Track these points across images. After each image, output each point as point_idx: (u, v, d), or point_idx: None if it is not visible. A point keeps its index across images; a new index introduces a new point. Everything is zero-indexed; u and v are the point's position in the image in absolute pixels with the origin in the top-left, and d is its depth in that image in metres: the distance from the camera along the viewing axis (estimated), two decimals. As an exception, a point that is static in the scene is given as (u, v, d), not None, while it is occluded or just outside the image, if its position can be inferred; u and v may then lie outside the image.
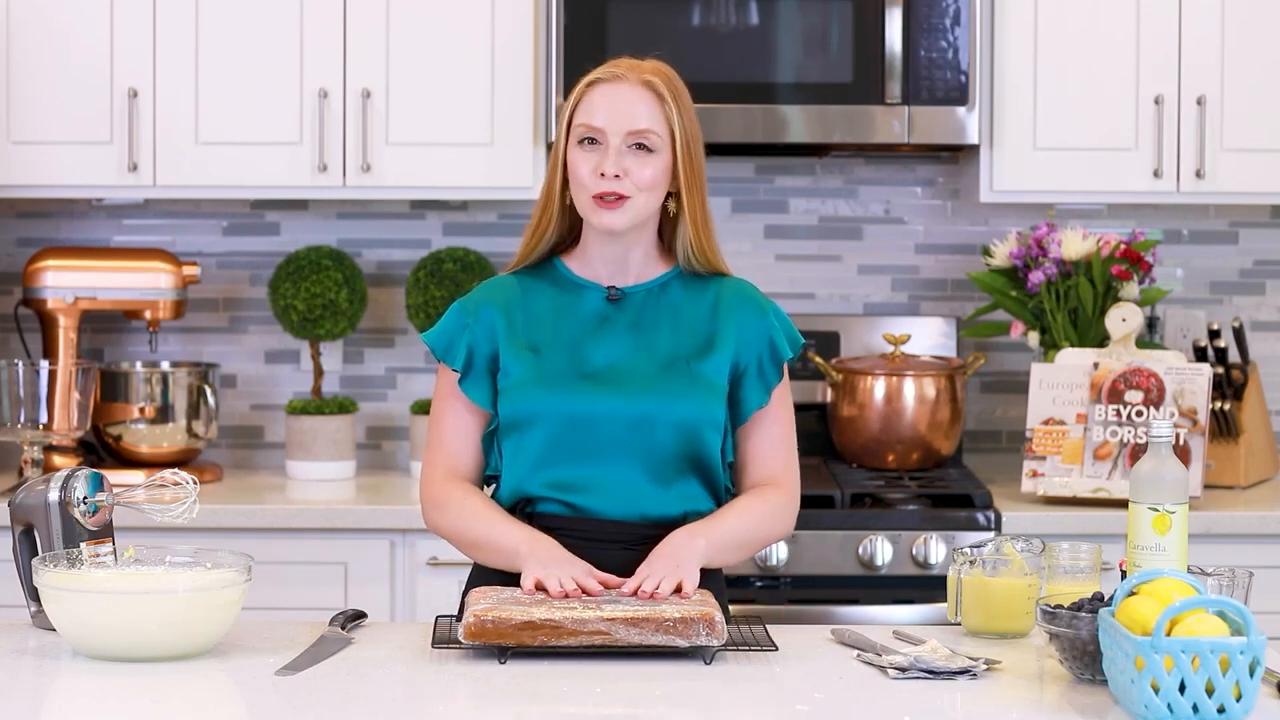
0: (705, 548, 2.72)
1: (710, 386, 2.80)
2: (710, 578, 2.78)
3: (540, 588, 2.62)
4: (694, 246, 2.85)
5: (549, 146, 4.16)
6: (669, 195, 2.83)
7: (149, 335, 4.37)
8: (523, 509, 2.81)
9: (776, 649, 2.58)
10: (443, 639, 2.59)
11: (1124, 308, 4.10)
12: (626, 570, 2.72)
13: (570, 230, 2.88)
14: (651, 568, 2.66)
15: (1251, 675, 2.21)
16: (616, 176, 2.76)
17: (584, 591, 2.60)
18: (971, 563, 2.71)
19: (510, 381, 2.80)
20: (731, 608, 2.89)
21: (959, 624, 2.74)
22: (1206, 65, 4.15)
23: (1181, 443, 3.98)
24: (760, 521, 2.84)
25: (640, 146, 2.78)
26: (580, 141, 2.79)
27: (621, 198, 2.77)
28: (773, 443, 2.88)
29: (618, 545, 2.77)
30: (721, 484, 2.84)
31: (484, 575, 2.83)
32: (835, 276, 4.54)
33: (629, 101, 2.78)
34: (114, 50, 4.15)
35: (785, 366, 2.89)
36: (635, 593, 2.61)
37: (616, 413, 2.76)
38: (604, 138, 2.78)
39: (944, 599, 3.89)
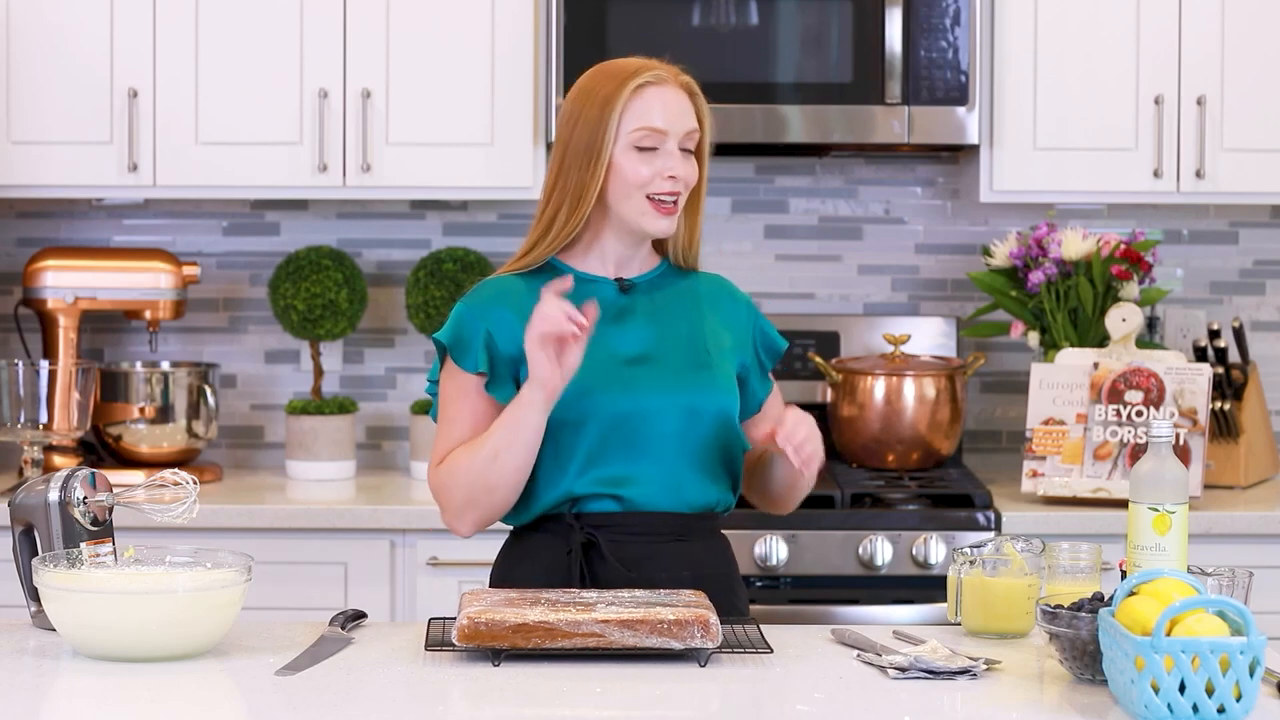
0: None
1: (730, 377, 2.84)
2: (727, 574, 2.78)
3: (553, 338, 2.63)
4: (687, 242, 2.88)
5: (549, 146, 4.16)
6: None
7: (149, 335, 4.37)
8: (570, 509, 2.79)
9: (771, 651, 2.57)
10: (436, 641, 2.59)
11: (1124, 308, 4.10)
12: (683, 563, 2.75)
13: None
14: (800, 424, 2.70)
15: (1251, 675, 2.21)
16: (675, 178, 2.78)
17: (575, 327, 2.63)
18: (971, 563, 2.71)
19: None
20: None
21: (959, 624, 2.74)
22: (1206, 65, 4.15)
23: (1181, 443, 3.98)
24: None
25: (687, 148, 2.80)
26: (639, 145, 2.77)
27: (676, 199, 2.80)
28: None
29: (666, 537, 2.78)
30: (740, 472, 2.87)
31: (505, 576, 2.83)
32: (835, 276, 4.54)
33: (679, 103, 2.80)
34: (114, 50, 4.15)
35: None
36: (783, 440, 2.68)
37: (665, 407, 2.76)
38: (663, 141, 2.77)
39: (944, 599, 3.89)
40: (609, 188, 2.78)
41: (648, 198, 2.77)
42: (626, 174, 2.76)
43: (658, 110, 2.77)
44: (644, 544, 2.77)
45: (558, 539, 2.79)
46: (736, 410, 2.83)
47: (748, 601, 2.91)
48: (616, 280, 2.85)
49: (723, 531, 2.91)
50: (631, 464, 2.76)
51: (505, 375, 2.80)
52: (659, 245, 2.90)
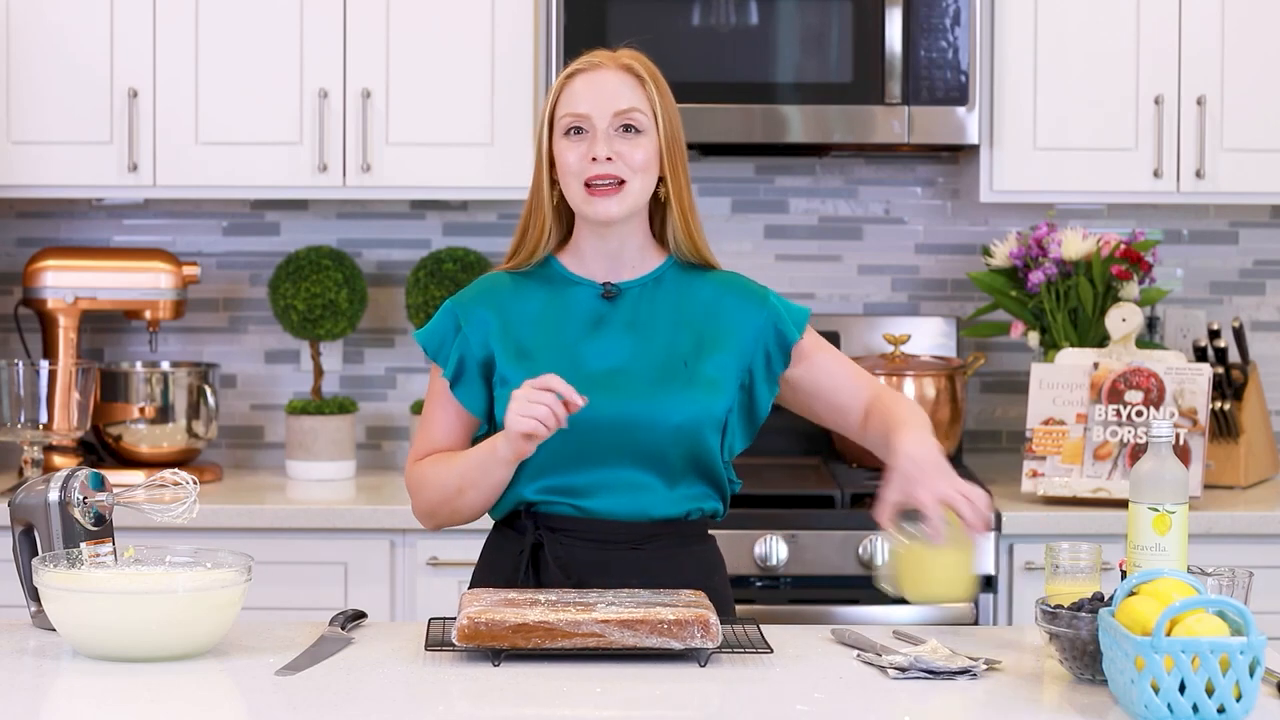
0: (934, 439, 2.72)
1: (710, 384, 2.77)
2: (693, 584, 2.76)
3: (530, 436, 2.62)
4: (682, 233, 2.83)
5: (549, 146, 4.16)
6: (658, 181, 2.81)
7: (149, 335, 4.37)
8: (529, 510, 2.80)
9: (771, 651, 2.57)
10: (436, 641, 2.59)
11: (1124, 308, 4.10)
12: (633, 571, 2.73)
13: (565, 229, 2.87)
14: (939, 489, 2.64)
15: (1251, 675, 2.21)
16: (609, 159, 2.74)
17: (564, 404, 2.61)
18: (911, 534, 2.67)
19: (508, 389, 2.77)
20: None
21: (898, 594, 2.69)
22: (1206, 65, 4.15)
23: (1181, 443, 3.98)
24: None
25: (628, 128, 2.76)
26: (566, 133, 2.77)
27: (620, 182, 2.75)
28: (846, 373, 2.89)
29: (624, 545, 2.77)
30: (724, 479, 2.83)
31: (486, 576, 2.84)
32: (835, 276, 4.54)
33: (610, 84, 2.77)
34: (114, 50, 4.15)
35: (804, 335, 2.86)
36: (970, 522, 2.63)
37: (615, 419, 2.73)
38: (590, 124, 2.76)
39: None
40: (560, 180, 2.80)
41: (585, 184, 2.76)
42: (561, 163, 2.78)
43: (581, 95, 2.77)
44: (595, 551, 2.76)
45: (519, 536, 2.81)
46: (713, 419, 2.77)
47: (730, 612, 2.85)
48: (604, 284, 2.84)
49: (710, 538, 2.88)
50: (582, 475, 2.74)
51: (474, 377, 2.81)
52: (662, 242, 2.89)
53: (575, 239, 2.85)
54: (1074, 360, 4.11)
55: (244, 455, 4.55)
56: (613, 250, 2.83)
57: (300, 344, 4.53)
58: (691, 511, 2.80)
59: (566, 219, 2.85)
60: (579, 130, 2.77)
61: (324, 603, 3.83)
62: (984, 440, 4.54)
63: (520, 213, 2.88)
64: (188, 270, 4.29)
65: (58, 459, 4.18)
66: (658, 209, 2.85)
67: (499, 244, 4.47)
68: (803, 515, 3.92)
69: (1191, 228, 4.53)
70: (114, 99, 4.15)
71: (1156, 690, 2.20)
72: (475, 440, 2.82)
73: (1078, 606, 2.45)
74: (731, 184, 4.52)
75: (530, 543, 2.78)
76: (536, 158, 2.82)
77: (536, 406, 2.61)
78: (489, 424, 2.82)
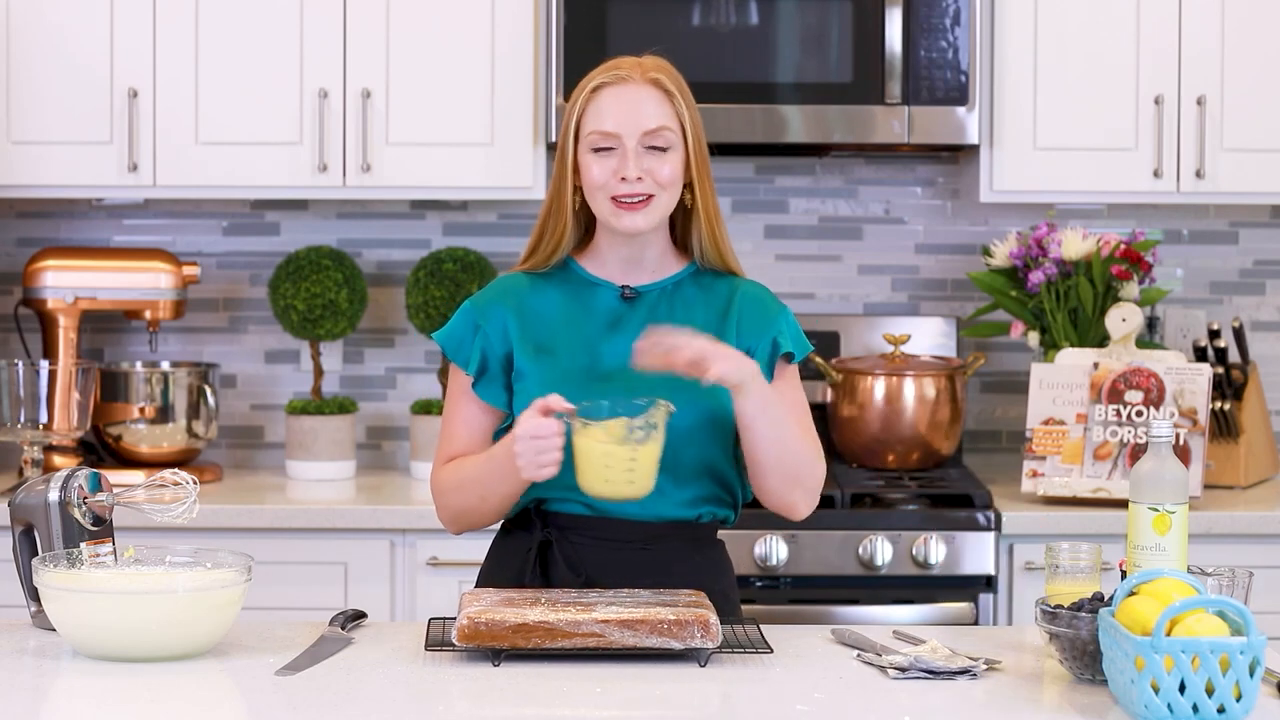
0: (757, 371, 2.69)
1: (721, 389, 2.78)
2: (703, 588, 2.76)
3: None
4: (707, 240, 2.84)
5: (549, 146, 4.16)
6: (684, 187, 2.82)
7: (149, 335, 4.37)
8: (538, 508, 2.80)
9: (771, 651, 2.58)
10: (436, 641, 2.59)
11: (1124, 308, 4.10)
12: (644, 571, 2.73)
13: (582, 231, 2.88)
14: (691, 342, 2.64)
15: (1251, 675, 2.21)
16: (639, 179, 2.75)
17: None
18: (584, 425, 2.63)
19: (525, 383, 2.78)
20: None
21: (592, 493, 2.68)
22: (1206, 65, 4.15)
23: (1181, 443, 3.98)
24: (796, 429, 2.77)
25: (655, 145, 2.77)
26: (594, 149, 2.78)
27: (648, 198, 2.76)
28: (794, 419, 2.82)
29: (634, 545, 2.77)
30: (737, 485, 2.83)
31: (494, 574, 2.83)
32: (835, 276, 4.54)
33: (638, 102, 2.77)
34: (114, 50, 4.15)
35: (789, 362, 2.85)
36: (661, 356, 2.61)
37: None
38: (619, 142, 2.76)
39: (943, 599, 3.90)
40: (585, 191, 2.80)
41: (611, 198, 2.77)
42: (587, 177, 2.78)
43: (609, 112, 2.77)
44: (603, 550, 2.76)
45: (527, 535, 2.81)
46: (727, 422, 2.76)
47: (738, 616, 2.86)
48: (623, 287, 2.85)
49: (719, 542, 2.89)
50: None
51: (496, 374, 2.81)
52: (683, 247, 2.88)
53: (595, 243, 2.86)
54: (1074, 360, 4.11)
55: (244, 455, 4.55)
56: (633, 256, 2.84)
57: (300, 344, 4.53)
58: (703, 514, 2.81)
59: (585, 222, 2.86)
60: (607, 147, 2.77)
61: (324, 603, 3.83)
62: (984, 440, 4.54)
63: (536, 214, 2.88)
64: (188, 270, 4.29)
65: (58, 459, 4.18)
66: (681, 215, 2.85)
67: (499, 244, 4.48)
68: (803, 515, 3.91)
69: (1191, 228, 4.53)
70: (114, 99, 4.15)
71: (1156, 690, 2.20)
72: (499, 433, 2.82)
73: (1078, 606, 2.45)
74: (731, 184, 4.52)
75: (538, 541, 2.79)
76: (558, 163, 2.82)
77: (547, 454, 2.62)
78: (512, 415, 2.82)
